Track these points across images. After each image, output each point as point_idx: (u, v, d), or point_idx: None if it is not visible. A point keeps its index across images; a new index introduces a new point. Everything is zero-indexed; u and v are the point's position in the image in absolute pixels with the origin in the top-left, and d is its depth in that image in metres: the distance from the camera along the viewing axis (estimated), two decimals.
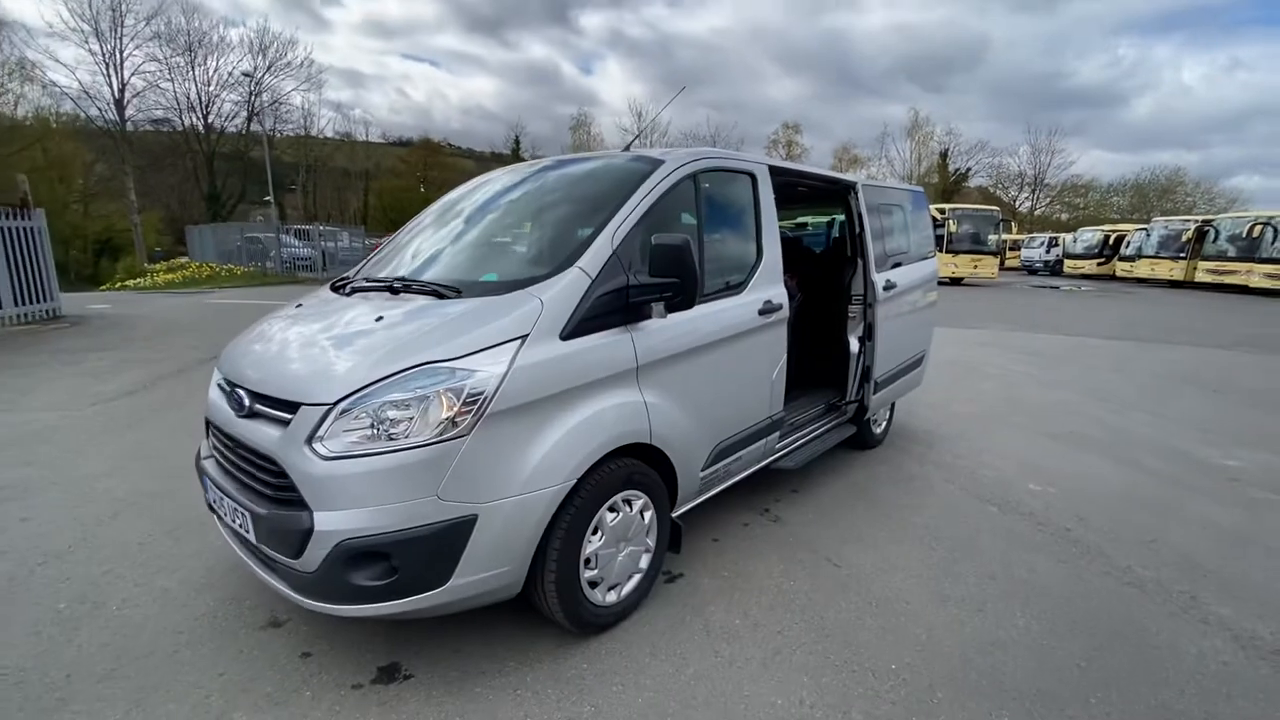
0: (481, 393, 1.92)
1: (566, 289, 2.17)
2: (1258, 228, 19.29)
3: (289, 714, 1.97)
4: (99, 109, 28.40)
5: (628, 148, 2.96)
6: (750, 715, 2.00)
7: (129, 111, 28.81)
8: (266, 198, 26.85)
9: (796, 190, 3.97)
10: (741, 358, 2.88)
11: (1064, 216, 47.06)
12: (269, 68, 32.20)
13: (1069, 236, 30.26)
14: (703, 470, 2.75)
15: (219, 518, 2.30)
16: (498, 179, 3.20)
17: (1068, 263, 28.82)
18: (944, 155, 46.17)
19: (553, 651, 2.28)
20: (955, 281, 21.46)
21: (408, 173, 50.10)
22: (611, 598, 2.39)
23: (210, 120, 32.90)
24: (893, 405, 4.79)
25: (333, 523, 1.86)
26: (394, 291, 2.45)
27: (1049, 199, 48.32)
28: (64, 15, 27.15)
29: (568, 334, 2.13)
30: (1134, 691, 2.13)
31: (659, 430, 2.43)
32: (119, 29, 26.99)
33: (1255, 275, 19.20)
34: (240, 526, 2.12)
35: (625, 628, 2.42)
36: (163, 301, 14.59)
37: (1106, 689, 2.14)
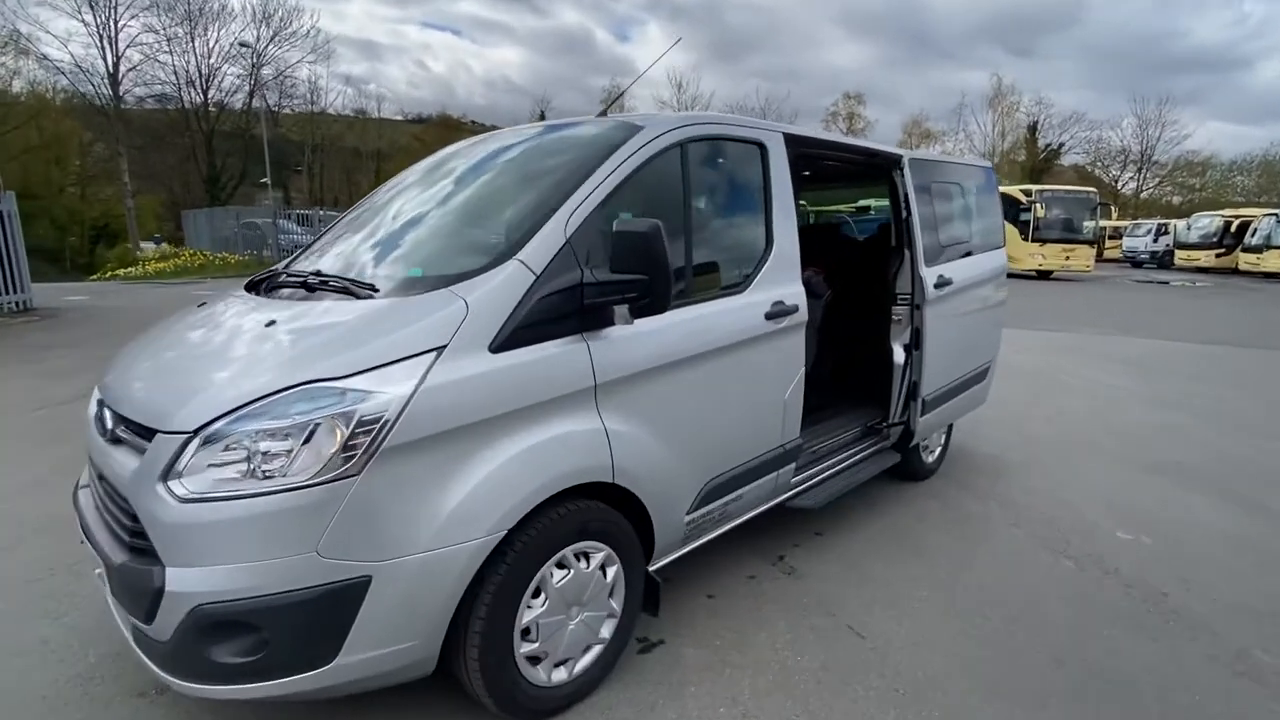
0: (378, 420, 1.68)
1: (501, 288, 1.92)
2: None
3: None
4: (93, 85, 29.49)
5: (604, 112, 2.69)
6: None
7: (125, 87, 29.84)
8: (264, 179, 27.45)
9: (825, 165, 3.65)
10: (742, 373, 2.60)
11: (1175, 199, 44.93)
12: (273, 37, 33.00)
13: (1181, 223, 28.70)
14: (689, 513, 2.47)
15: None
16: (455, 152, 2.97)
17: (1179, 254, 27.34)
18: (1032, 129, 44.55)
19: None
20: (1043, 275, 20.59)
21: (423, 152, 50.28)
22: (560, 676, 2.12)
23: (210, 96, 33.92)
24: (950, 427, 4.41)
25: (188, 582, 1.65)
26: (310, 289, 2.24)
27: (1157, 179, 46.17)
28: None
29: (501, 344, 1.88)
30: None
31: (625, 465, 2.16)
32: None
33: None
34: (99, 575, 1.93)
35: (579, 713, 2.15)
36: (148, 293, 14.97)
37: None
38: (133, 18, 28.99)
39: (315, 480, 1.64)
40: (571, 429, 2.02)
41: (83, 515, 2.11)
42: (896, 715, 2.17)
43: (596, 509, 2.13)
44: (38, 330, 9.16)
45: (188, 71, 32.53)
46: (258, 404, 1.67)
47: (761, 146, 2.73)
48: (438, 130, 52.57)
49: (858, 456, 3.55)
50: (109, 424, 1.97)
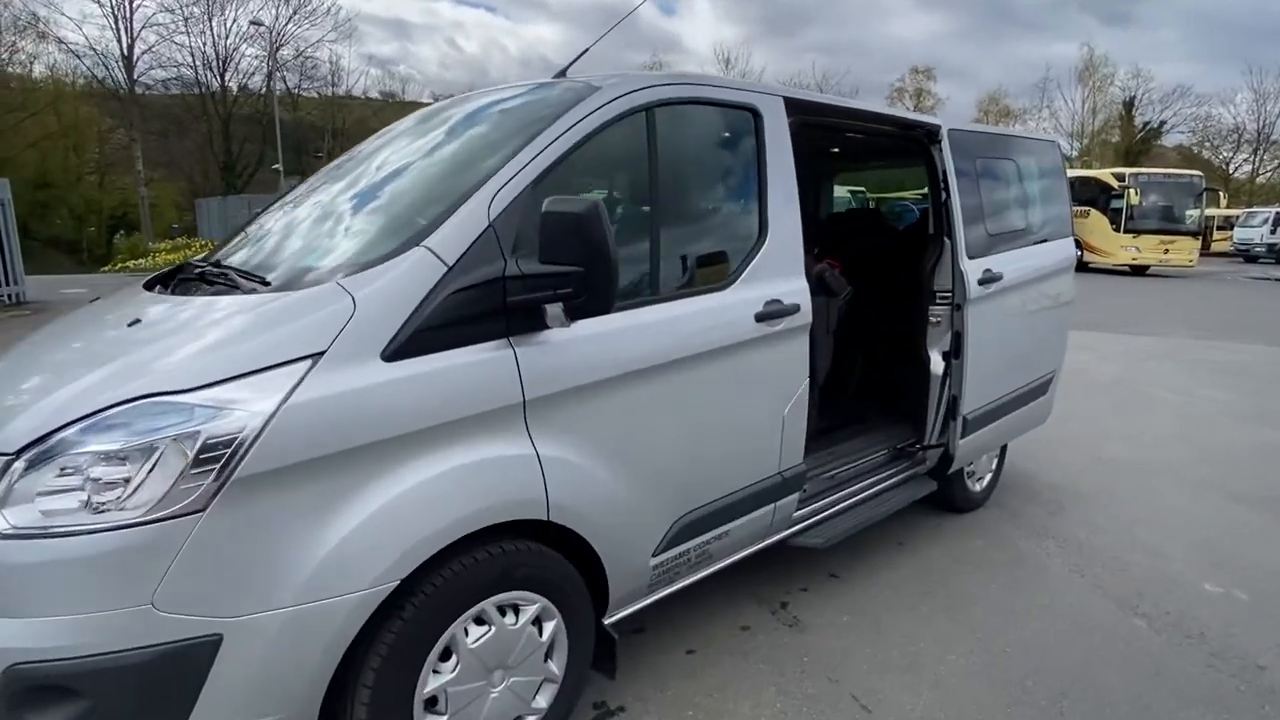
0: (231, 443, 1.48)
1: (400, 281, 1.71)
2: None
3: None
4: (107, 68, 30.61)
5: (562, 73, 2.46)
6: None
7: (140, 69, 30.90)
8: (275, 166, 28.07)
9: (846, 139, 3.36)
10: (726, 386, 2.34)
11: None
12: (292, 15, 33.73)
13: None
14: (656, 555, 2.23)
15: None
16: (399, 126, 2.79)
17: None
18: (1128, 105, 42.70)
19: None
20: (1136, 270, 19.61)
21: None
22: None
23: (227, 79, 34.89)
24: (1003, 449, 4.05)
25: (3, 636, 1.48)
26: (209, 282, 2.08)
27: (1276, 161, 43.69)
28: None
29: (397, 350, 1.67)
30: None
31: (565, 499, 1.93)
32: None
33: None
34: None
35: None
36: None
37: None
38: None
39: (148, 517, 1.44)
40: (491, 455, 1.80)
41: None
42: None
43: (527, 552, 1.90)
44: (24, 326, 9.40)
45: (204, 53, 33.55)
46: (89, 420, 1.49)
47: (754, 113, 2.46)
48: None
49: (883, 485, 3.25)
50: None
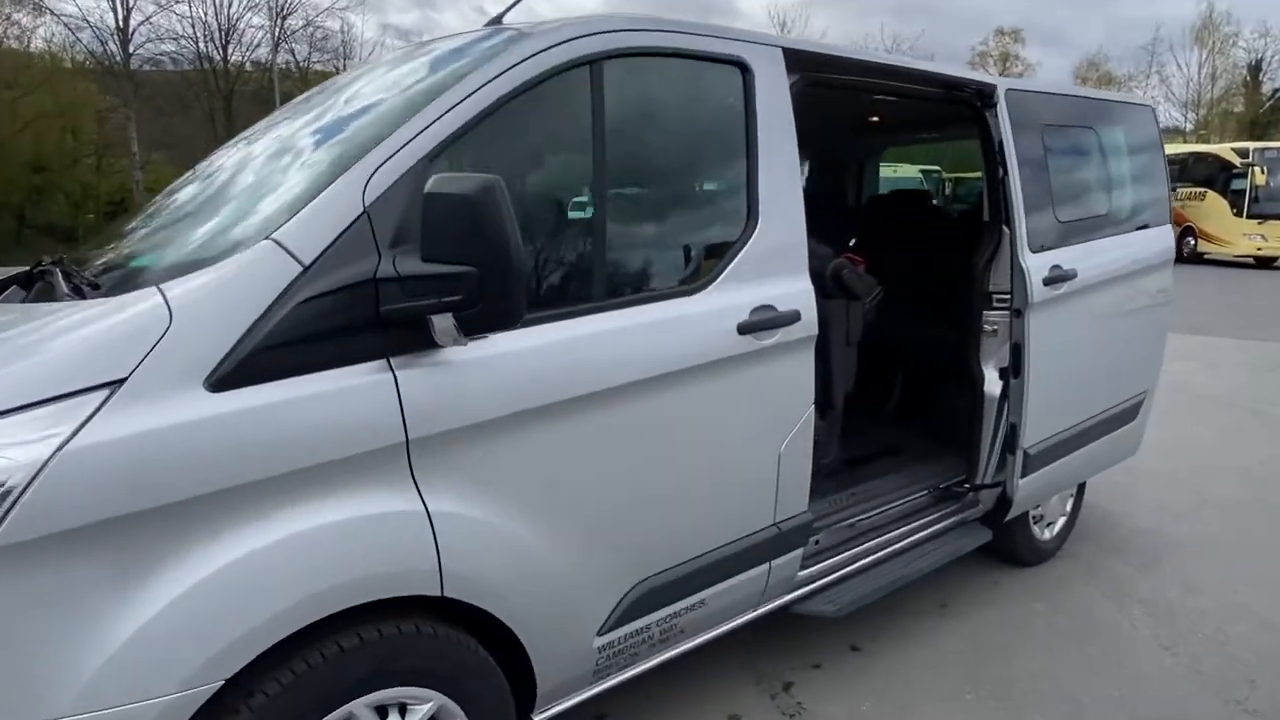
0: None
1: (235, 285, 1.46)
2: None
3: None
4: (102, 42, 31.53)
5: (498, 20, 2.18)
6: None
7: (136, 42, 31.76)
8: None
9: (890, 107, 3.02)
10: (698, 417, 2.07)
11: None
12: None
13: None
14: (603, 634, 1.95)
15: None
16: (304, 95, 2.57)
17: None
18: (1254, 69, 40.80)
19: None
20: (1262, 264, 18.59)
21: None
22: None
23: (230, 52, 35.60)
24: (1081, 487, 3.67)
25: None
26: (46, 284, 1.88)
27: None
28: None
29: (228, 376, 1.41)
30: None
31: (468, 568, 1.67)
32: None
33: None
34: None
35: None
36: None
37: None
38: None
39: None
40: (359, 513, 1.54)
41: None
42: None
43: (416, 636, 1.64)
44: None
45: (205, 23, 34.29)
46: None
47: (743, 68, 2.15)
48: None
49: (921, 535, 2.92)
50: None
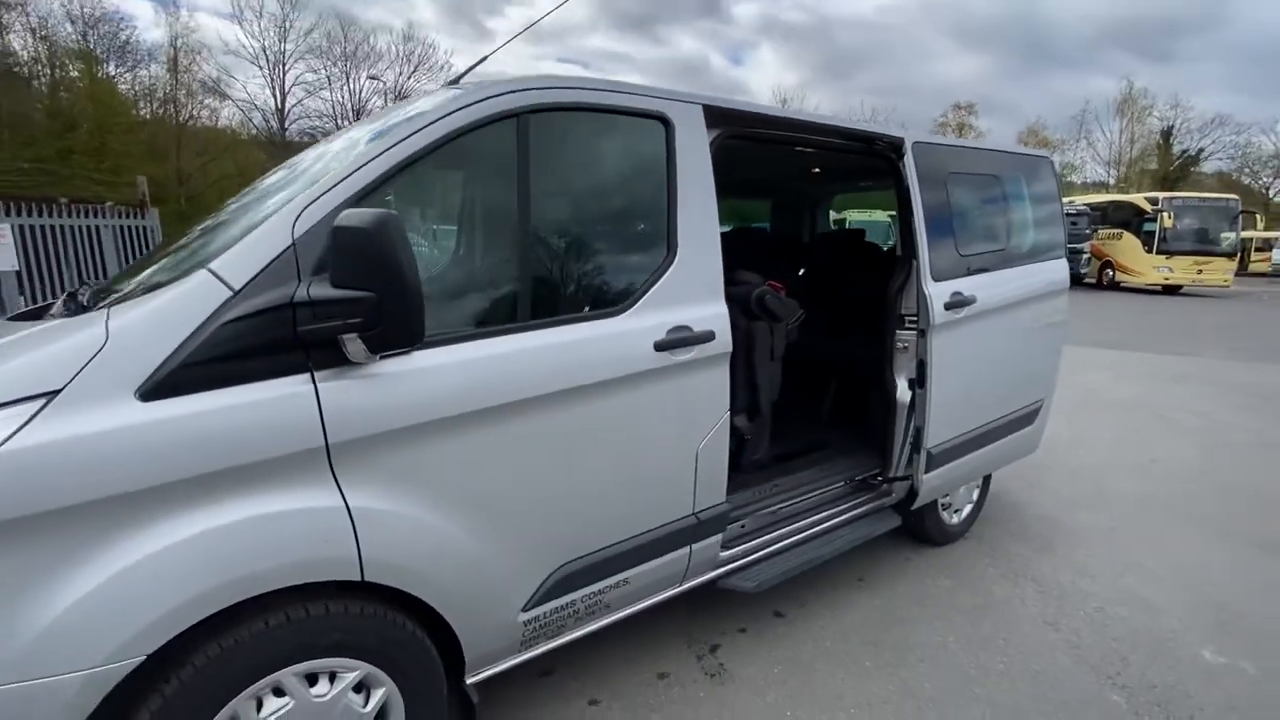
0: None
1: (168, 308, 1.29)
2: None
3: None
4: (266, 120, 32.60)
5: (455, 81, 1.99)
6: None
7: (290, 119, 32.66)
8: None
9: (828, 158, 2.77)
10: (617, 422, 1.83)
11: None
12: (413, 71, 34.77)
13: None
14: (528, 609, 1.74)
15: None
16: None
17: None
18: (1166, 134, 38.85)
19: None
20: (1169, 290, 17.62)
21: None
22: None
23: None
24: (987, 479, 3.34)
25: None
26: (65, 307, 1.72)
27: None
28: (240, 35, 31.78)
29: (158, 387, 1.24)
30: None
31: (389, 555, 1.47)
32: (283, 43, 30.74)
33: None
34: None
35: None
36: None
37: None
38: (298, 60, 31.84)
39: None
40: (280, 508, 1.35)
41: None
42: None
43: (343, 615, 1.44)
44: None
45: (342, 104, 35.03)
46: None
47: (665, 122, 1.93)
48: None
49: (837, 520, 2.64)
50: None
